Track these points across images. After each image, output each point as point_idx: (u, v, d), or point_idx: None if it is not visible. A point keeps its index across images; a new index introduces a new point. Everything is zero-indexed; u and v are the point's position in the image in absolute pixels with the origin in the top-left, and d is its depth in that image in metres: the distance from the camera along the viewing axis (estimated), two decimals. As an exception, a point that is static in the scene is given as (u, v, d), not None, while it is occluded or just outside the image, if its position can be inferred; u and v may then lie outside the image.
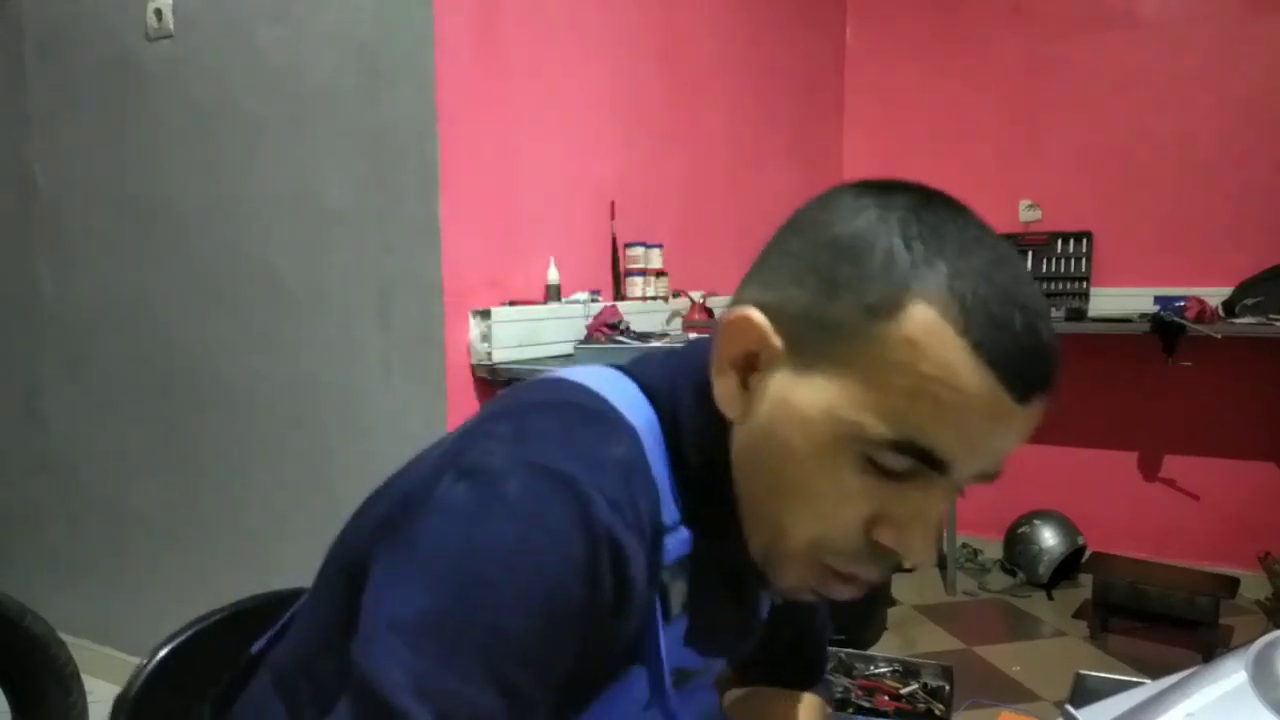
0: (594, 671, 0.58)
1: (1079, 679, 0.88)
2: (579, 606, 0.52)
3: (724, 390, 0.58)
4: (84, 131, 2.27)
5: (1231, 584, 2.77)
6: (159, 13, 2.06)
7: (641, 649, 0.59)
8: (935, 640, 2.81)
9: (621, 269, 2.33)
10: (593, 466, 0.54)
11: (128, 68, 2.15)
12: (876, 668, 2.31)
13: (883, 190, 0.55)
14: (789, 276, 0.56)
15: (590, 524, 0.52)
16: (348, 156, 1.84)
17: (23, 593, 1.73)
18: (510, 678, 0.51)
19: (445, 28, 1.71)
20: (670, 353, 0.67)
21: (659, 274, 2.37)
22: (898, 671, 2.32)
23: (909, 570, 3.36)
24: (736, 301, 0.58)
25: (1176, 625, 2.74)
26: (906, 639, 2.82)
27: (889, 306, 0.51)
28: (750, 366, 0.57)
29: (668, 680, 0.60)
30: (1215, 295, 2.99)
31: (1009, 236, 3.40)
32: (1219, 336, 2.75)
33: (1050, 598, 3.14)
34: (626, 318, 2.13)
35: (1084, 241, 3.29)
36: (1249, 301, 2.91)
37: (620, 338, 2.05)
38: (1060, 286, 3.31)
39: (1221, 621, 2.71)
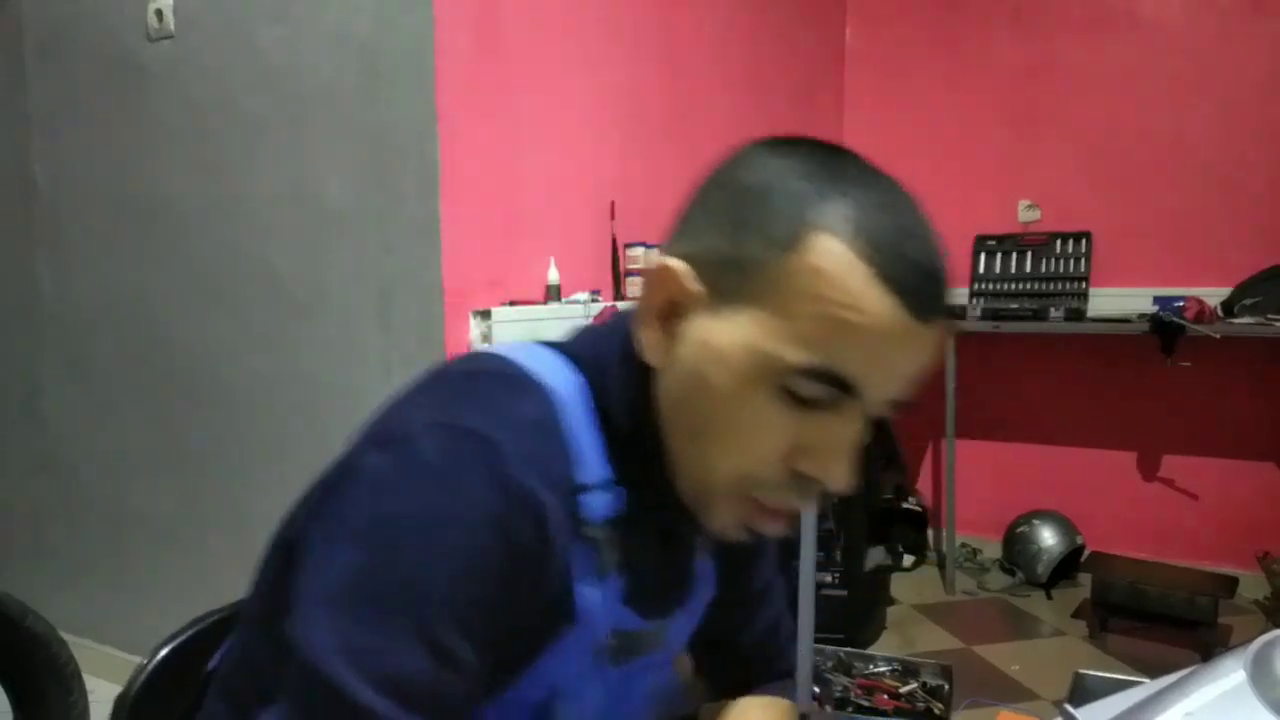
0: (529, 632, 0.59)
1: (1078, 678, 0.88)
2: (498, 560, 0.54)
3: (648, 338, 0.60)
4: (84, 131, 2.27)
5: (1230, 583, 2.77)
6: (159, 13, 2.06)
7: (571, 607, 0.60)
8: (934, 639, 2.81)
9: (621, 269, 2.33)
10: (504, 424, 0.56)
11: (128, 68, 2.15)
12: (876, 667, 2.32)
13: (786, 142, 0.60)
14: (704, 226, 0.59)
15: (504, 478, 0.54)
16: (348, 156, 1.84)
17: (23, 592, 1.73)
18: (437, 636, 0.53)
19: (445, 28, 1.71)
20: (600, 325, 0.69)
21: (659, 274, 2.37)
22: (897, 671, 2.33)
23: (909, 569, 3.36)
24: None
25: (1175, 625, 2.75)
26: (905, 638, 2.82)
27: (793, 239, 0.54)
28: (672, 314, 0.59)
29: (602, 635, 0.62)
30: (1214, 295, 3.00)
31: (1009, 236, 3.41)
32: (1218, 336, 2.75)
33: (1049, 597, 3.14)
34: (626, 318, 2.13)
35: (1083, 242, 3.29)
36: (1248, 301, 2.91)
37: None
38: (1059, 286, 3.31)
39: (1220, 621, 2.71)
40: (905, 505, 3.37)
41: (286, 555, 0.64)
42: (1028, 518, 3.29)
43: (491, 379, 0.62)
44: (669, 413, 0.61)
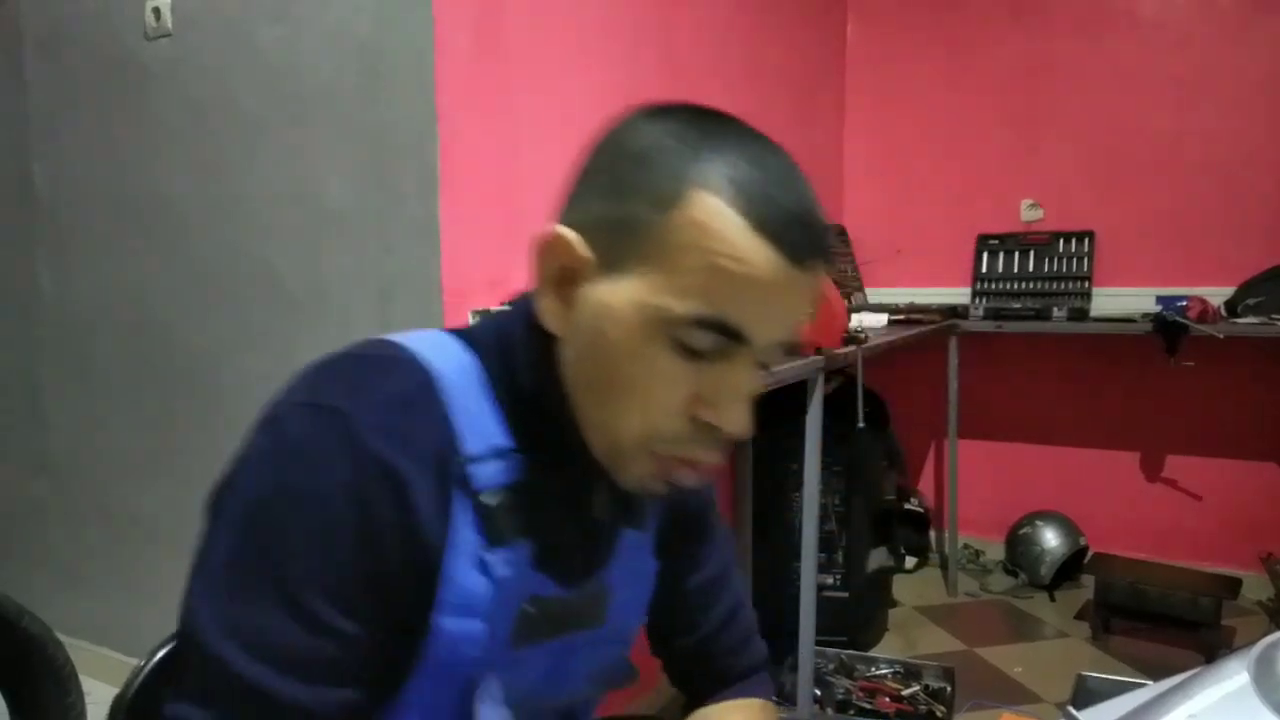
0: (412, 598, 0.61)
1: (1081, 680, 0.87)
2: (354, 527, 0.58)
3: (547, 307, 0.63)
4: (83, 131, 2.27)
5: (1234, 585, 2.76)
6: (158, 12, 2.06)
7: (460, 576, 0.62)
8: (936, 641, 2.81)
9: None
10: (361, 400, 0.60)
11: (127, 67, 2.15)
12: (878, 669, 2.32)
13: (664, 108, 0.63)
14: (590, 193, 0.63)
15: (356, 449, 0.58)
16: (347, 156, 1.84)
17: (21, 593, 1.73)
18: (302, 602, 0.57)
19: (445, 28, 1.70)
20: (506, 305, 0.72)
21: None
22: (899, 673, 2.32)
23: (911, 571, 3.35)
24: None
25: (1178, 626, 2.74)
26: (908, 640, 2.81)
27: (673, 197, 0.57)
28: (567, 281, 0.62)
29: (514, 603, 0.65)
30: (1217, 295, 2.99)
31: (1011, 236, 3.40)
32: (1221, 336, 2.74)
33: (1052, 599, 3.14)
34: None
35: (1086, 241, 3.29)
36: (1251, 301, 2.90)
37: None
38: (1062, 286, 3.30)
39: (1223, 622, 2.70)
40: (907, 506, 3.37)
41: None
42: (1030, 519, 3.28)
43: (363, 360, 0.64)
44: (574, 377, 0.63)
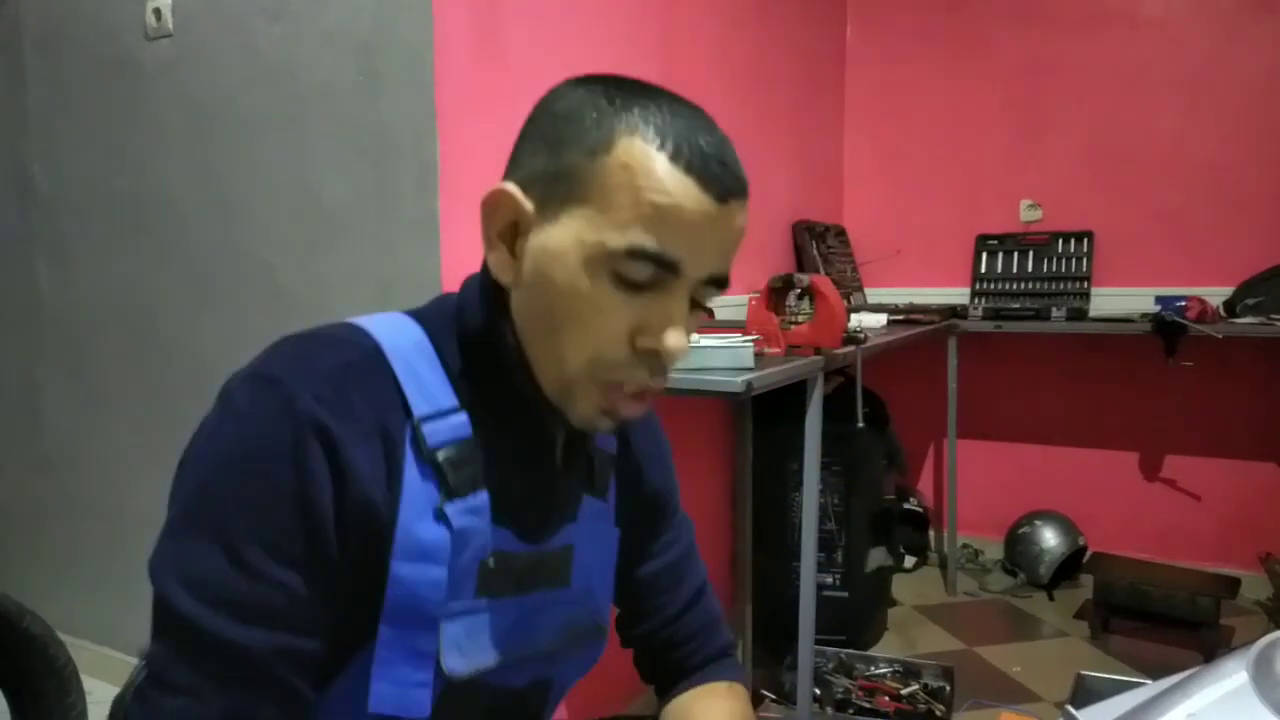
0: (358, 553, 0.65)
1: (1080, 679, 0.87)
2: (290, 485, 0.62)
3: (496, 261, 0.70)
4: (83, 131, 2.27)
5: (1233, 584, 2.77)
6: (158, 12, 2.06)
7: (416, 528, 0.67)
8: (936, 641, 2.81)
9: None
10: (300, 370, 0.66)
11: (126, 67, 2.15)
12: (877, 668, 2.32)
13: (588, 77, 0.70)
14: (529, 153, 0.69)
15: (293, 413, 0.63)
16: (347, 156, 1.84)
17: (22, 593, 1.73)
18: (241, 553, 0.62)
19: (445, 28, 1.71)
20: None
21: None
22: (898, 672, 2.32)
23: (910, 570, 3.35)
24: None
25: (1177, 626, 2.74)
26: (907, 639, 2.82)
27: (603, 145, 0.64)
28: (514, 234, 0.69)
29: (476, 555, 0.69)
30: (1216, 295, 2.99)
31: (1010, 236, 3.41)
32: (1220, 336, 2.74)
33: (1051, 598, 3.14)
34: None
35: (1085, 241, 3.29)
36: (1250, 301, 2.91)
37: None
38: (1061, 286, 3.30)
39: (1222, 622, 2.70)
40: (906, 506, 3.37)
41: None
42: (1029, 518, 3.28)
43: (313, 337, 0.71)
44: (524, 322, 0.69)
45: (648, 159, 0.63)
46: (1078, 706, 0.69)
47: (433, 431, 0.68)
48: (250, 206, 2.00)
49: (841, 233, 3.53)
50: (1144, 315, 2.95)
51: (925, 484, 3.70)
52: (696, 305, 0.70)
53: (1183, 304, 2.86)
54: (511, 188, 0.68)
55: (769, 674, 2.43)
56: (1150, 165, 3.21)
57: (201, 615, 0.62)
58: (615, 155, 0.64)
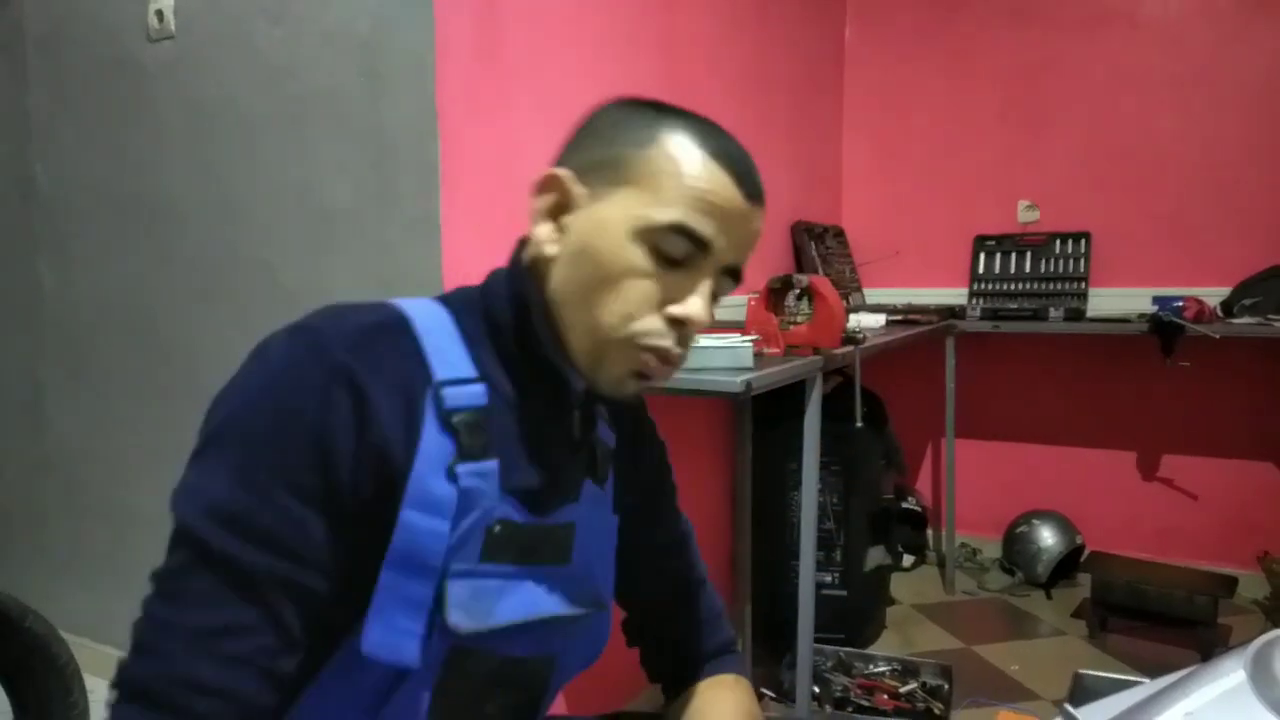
0: (384, 499, 0.69)
1: (1078, 678, 0.88)
2: (315, 424, 0.66)
3: (543, 233, 0.77)
4: (84, 132, 2.27)
5: (1230, 583, 2.77)
6: (160, 13, 2.06)
7: (428, 480, 0.70)
8: (934, 639, 2.82)
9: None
10: (335, 323, 0.71)
11: (128, 68, 2.15)
12: (876, 667, 2.33)
13: (633, 97, 0.82)
14: (578, 148, 0.80)
15: (324, 357, 0.68)
16: (348, 156, 1.84)
17: (24, 592, 1.74)
18: (257, 480, 0.66)
19: (445, 28, 1.71)
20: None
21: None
22: (897, 670, 2.33)
23: (908, 569, 3.36)
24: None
25: (1175, 624, 2.75)
26: (905, 638, 2.82)
27: (650, 139, 0.75)
28: (560, 212, 0.77)
29: (484, 517, 0.72)
30: (1214, 295, 3.00)
31: (1008, 236, 3.41)
32: (1217, 337, 2.75)
33: (1049, 597, 3.14)
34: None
35: (1082, 242, 3.30)
36: (1247, 302, 2.91)
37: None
38: (1059, 287, 3.31)
39: (1220, 621, 2.71)
40: (905, 505, 3.38)
41: None
42: (1027, 517, 3.29)
43: (348, 305, 0.75)
44: (564, 288, 0.76)
45: (690, 152, 0.74)
46: (1076, 705, 0.70)
47: (451, 395, 0.72)
48: (251, 207, 2.00)
49: (840, 233, 3.54)
50: (1141, 315, 2.96)
51: (924, 483, 3.70)
52: (714, 296, 0.78)
53: (1180, 304, 2.87)
54: (563, 171, 0.77)
55: (768, 672, 2.44)
56: (1148, 166, 3.21)
57: (211, 533, 0.65)
58: (662, 147, 0.74)
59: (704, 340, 1.66)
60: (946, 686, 2.24)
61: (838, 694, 2.27)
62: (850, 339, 2.02)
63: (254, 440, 0.66)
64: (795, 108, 3.24)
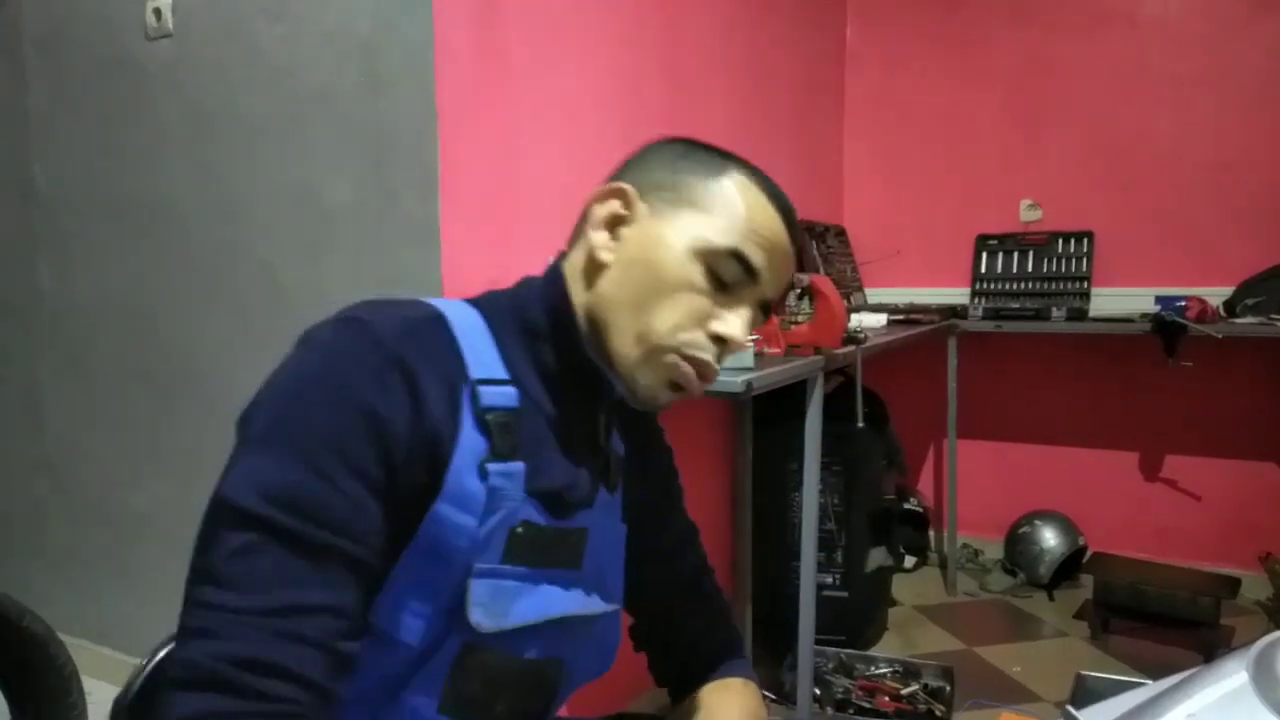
0: (426, 486, 0.70)
1: (1080, 679, 0.87)
2: (371, 406, 0.67)
3: (599, 241, 0.81)
4: (83, 131, 2.27)
5: (1233, 584, 2.77)
6: (158, 12, 2.06)
7: (463, 474, 0.71)
8: (936, 641, 2.81)
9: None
10: (382, 314, 0.73)
11: (127, 67, 2.15)
12: (877, 668, 2.32)
13: (688, 138, 0.86)
14: (643, 169, 0.84)
15: (380, 344, 0.69)
16: (347, 157, 1.84)
17: (22, 593, 1.73)
18: (316, 460, 0.65)
19: (445, 28, 1.71)
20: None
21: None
22: (898, 672, 2.32)
23: (910, 570, 3.35)
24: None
25: (1177, 626, 2.74)
26: (907, 640, 2.82)
27: (718, 171, 0.81)
28: (617, 224, 0.81)
29: (510, 515, 0.74)
30: (1216, 295, 2.99)
31: (1010, 236, 3.41)
32: (1220, 336, 2.74)
33: (1051, 598, 3.14)
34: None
35: (1085, 241, 3.29)
36: (1250, 301, 2.91)
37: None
38: (1061, 286, 3.30)
39: (1222, 622, 2.71)
40: (906, 506, 3.37)
41: None
42: (1029, 518, 3.28)
43: (386, 299, 0.77)
44: (614, 293, 0.79)
45: (752, 193, 0.81)
46: (1078, 706, 0.69)
47: (487, 394, 0.74)
48: (250, 207, 2.00)
49: (841, 233, 3.53)
50: (1144, 315, 2.95)
51: (925, 484, 3.70)
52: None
53: (1182, 304, 2.86)
54: (629, 188, 0.81)
55: (769, 674, 2.43)
56: (1150, 165, 3.21)
57: (276, 515, 0.64)
58: (727, 180, 0.81)
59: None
60: (948, 688, 2.24)
61: (839, 696, 2.27)
62: (851, 339, 2.02)
63: (313, 426, 0.67)
64: (796, 107, 3.24)
